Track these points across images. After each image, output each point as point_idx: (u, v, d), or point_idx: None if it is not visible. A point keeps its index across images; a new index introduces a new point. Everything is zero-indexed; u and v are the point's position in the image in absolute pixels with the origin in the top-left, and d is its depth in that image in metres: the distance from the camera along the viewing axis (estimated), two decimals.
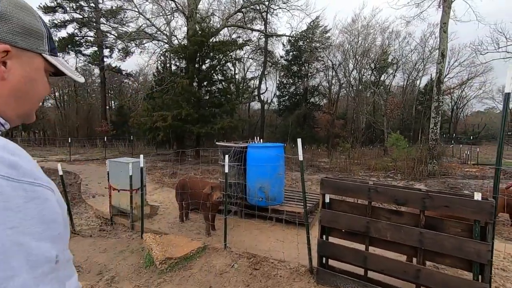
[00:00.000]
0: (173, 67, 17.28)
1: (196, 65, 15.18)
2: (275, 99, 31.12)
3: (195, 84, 15.31)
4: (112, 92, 31.69)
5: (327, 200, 2.92)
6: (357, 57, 23.96)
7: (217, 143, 5.32)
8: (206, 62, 15.96)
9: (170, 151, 17.69)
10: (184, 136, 16.41)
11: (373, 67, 24.89)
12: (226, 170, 3.87)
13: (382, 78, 27.06)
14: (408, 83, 28.98)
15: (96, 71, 27.88)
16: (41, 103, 0.69)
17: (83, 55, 24.75)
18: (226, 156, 3.87)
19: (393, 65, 26.43)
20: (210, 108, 15.92)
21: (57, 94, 29.17)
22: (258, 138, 7.67)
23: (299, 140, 3.19)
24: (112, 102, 33.20)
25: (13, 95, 0.54)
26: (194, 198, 4.45)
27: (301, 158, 3.15)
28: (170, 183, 8.72)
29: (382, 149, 20.15)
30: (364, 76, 25.49)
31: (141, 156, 4.27)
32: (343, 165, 13.29)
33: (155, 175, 10.30)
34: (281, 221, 4.59)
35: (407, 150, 13.14)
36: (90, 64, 27.11)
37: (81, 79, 0.70)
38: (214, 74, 16.17)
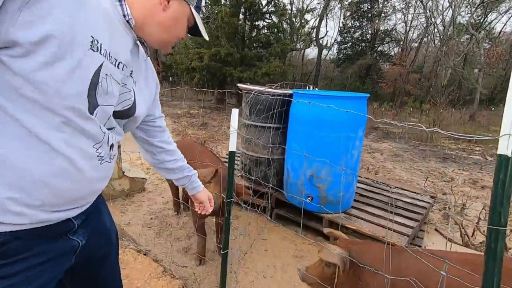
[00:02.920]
0: None
1: None
2: (334, 47, 26.61)
3: (240, 16, 12.47)
4: None
5: None
6: None
7: (240, 85, 2.97)
8: None
9: (210, 97, 15.91)
10: (225, 81, 14.23)
11: (478, 1, 18.53)
12: (232, 146, 1.59)
13: (488, 19, 20.40)
14: None
15: None
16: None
17: None
18: (235, 113, 1.53)
19: None
20: (256, 48, 13.19)
21: None
22: (311, 86, 5.09)
23: None
24: None
25: (162, 25, 0.78)
26: None
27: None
28: (192, 138, 6.84)
29: (468, 113, 15.85)
30: (460, 16, 19.48)
31: None
32: (417, 131, 10.16)
33: (181, 124, 8.54)
34: None
35: None
36: None
37: (207, 37, 0.91)
38: (262, 2, 12.93)
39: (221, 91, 11.63)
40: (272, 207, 2.86)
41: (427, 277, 1.17)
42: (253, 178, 2.69)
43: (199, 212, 1.50)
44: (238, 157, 3.48)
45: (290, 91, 2.76)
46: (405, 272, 1.22)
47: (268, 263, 2.31)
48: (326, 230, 1.68)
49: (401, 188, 3.16)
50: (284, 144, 2.89)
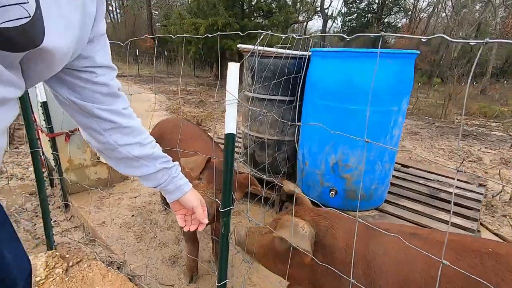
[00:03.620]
0: None
1: None
2: (339, 19, 25.14)
3: None
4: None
5: None
6: None
7: (240, 46, 2.30)
8: None
9: (209, 74, 15.06)
10: (224, 55, 13.31)
11: None
12: (230, 125, 0.98)
13: None
14: None
15: None
16: None
17: None
18: (233, 70, 0.90)
19: None
20: (257, 17, 12.18)
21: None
22: (323, 44, 4.40)
23: None
24: (157, 11, 30.10)
25: None
26: None
27: None
28: (188, 117, 6.21)
29: (478, 88, 15.06)
30: None
31: None
32: (426, 106, 9.57)
33: (176, 101, 7.87)
34: None
35: None
36: None
37: None
38: None
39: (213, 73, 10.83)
40: (282, 200, 2.30)
41: (413, 267, 0.89)
42: (255, 172, 2.11)
43: (185, 229, 0.96)
44: (239, 137, 2.88)
45: (306, 53, 2.10)
46: (382, 260, 0.94)
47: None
48: (287, 187, 1.21)
49: (439, 174, 2.58)
50: (298, 122, 2.28)
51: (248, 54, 2.26)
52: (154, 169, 0.80)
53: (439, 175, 2.57)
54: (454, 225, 1.81)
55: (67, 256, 1.71)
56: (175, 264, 1.83)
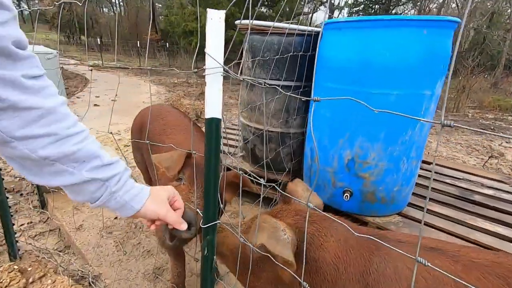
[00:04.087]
0: None
1: None
2: (345, 10, 24.52)
3: None
4: None
5: None
6: None
7: (238, 22, 1.98)
8: None
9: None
10: (227, 47, 12.93)
11: None
12: (214, 104, 0.67)
13: None
14: None
15: None
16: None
17: None
18: (214, 19, 0.59)
19: None
20: (261, 7, 11.76)
21: None
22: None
23: None
24: (160, 4, 29.68)
25: None
26: (150, 167, 1.46)
27: None
28: (188, 109, 5.91)
29: (490, 81, 14.49)
30: None
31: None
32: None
33: (176, 93, 7.57)
34: None
35: None
36: None
37: None
38: None
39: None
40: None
41: None
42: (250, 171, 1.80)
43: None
44: (238, 130, 2.58)
45: (316, 28, 1.77)
46: (390, 283, 0.66)
47: None
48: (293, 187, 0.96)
49: (467, 172, 2.25)
50: (306, 111, 1.96)
51: (248, 31, 1.93)
52: (78, 178, 0.50)
53: (467, 173, 2.24)
54: (496, 235, 1.49)
55: (29, 269, 1.43)
56: (159, 280, 1.55)
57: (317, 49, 1.55)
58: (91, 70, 8.18)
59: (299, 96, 0.54)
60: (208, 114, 0.70)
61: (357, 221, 1.73)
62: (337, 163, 1.59)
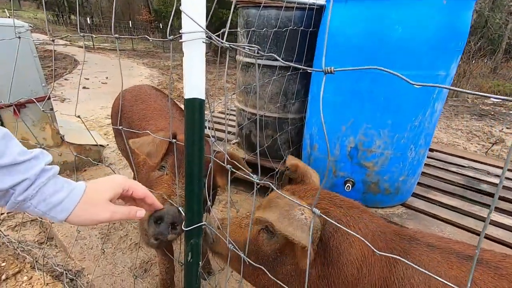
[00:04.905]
0: None
1: None
2: None
3: None
4: None
5: None
6: None
7: None
8: None
9: (207, 49, 14.29)
10: (222, 28, 12.48)
11: None
12: (194, 81, 0.53)
13: None
14: None
15: None
16: None
17: None
18: None
19: None
20: None
21: None
22: None
23: None
24: None
25: None
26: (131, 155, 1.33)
27: None
28: (181, 94, 5.71)
29: (490, 65, 14.30)
30: None
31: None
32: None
33: (168, 76, 7.32)
34: None
35: None
36: None
37: None
38: None
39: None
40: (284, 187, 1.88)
41: None
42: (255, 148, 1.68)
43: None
44: (233, 115, 2.44)
45: (320, 1, 1.60)
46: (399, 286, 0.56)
47: None
48: (290, 162, 0.85)
49: (472, 160, 2.15)
50: (306, 95, 1.81)
51: (241, 3, 1.75)
52: None
53: (472, 160, 2.14)
54: (508, 227, 1.40)
55: (3, 265, 1.32)
56: (147, 274, 1.45)
57: (320, 23, 1.39)
58: (83, 48, 7.85)
59: (308, 68, 0.40)
60: (188, 94, 0.56)
61: None
62: (338, 151, 1.47)
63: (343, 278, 0.60)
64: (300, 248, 0.59)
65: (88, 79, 5.95)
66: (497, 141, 4.15)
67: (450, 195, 1.65)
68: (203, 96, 0.57)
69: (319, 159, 1.61)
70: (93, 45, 12.79)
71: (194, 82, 0.55)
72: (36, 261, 1.41)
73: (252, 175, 0.55)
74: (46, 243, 1.66)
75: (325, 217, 0.46)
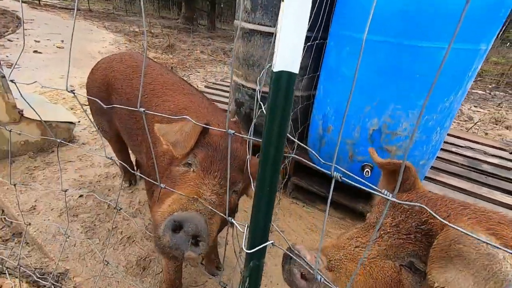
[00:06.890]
0: None
1: None
2: None
3: None
4: None
5: None
6: None
7: None
8: None
9: (176, 15, 13.27)
10: None
11: None
12: (286, 51, 0.49)
13: None
14: None
15: None
16: None
17: None
18: None
19: None
20: None
21: None
22: None
23: None
24: None
25: None
26: (132, 138, 1.11)
27: None
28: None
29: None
30: None
31: None
32: None
33: (138, 43, 6.66)
34: None
35: None
36: None
37: None
38: None
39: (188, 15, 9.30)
40: (289, 174, 1.76)
41: None
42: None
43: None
44: (224, 90, 2.22)
45: None
46: None
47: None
48: (378, 160, 0.66)
49: (465, 139, 2.18)
50: (316, 70, 1.64)
51: None
52: None
53: (465, 139, 2.16)
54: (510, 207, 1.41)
55: None
56: (146, 272, 1.27)
57: None
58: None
59: None
60: (279, 64, 0.37)
61: (367, 197, 1.57)
62: (358, 133, 1.35)
63: None
64: None
65: (38, 41, 5.17)
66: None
67: (458, 177, 1.64)
68: (295, 69, 0.39)
69: (331, 141, 1.49)
70: (39, 0, 11.17)
71: (287, 40, 0.36)
72: (6, 266, 1.16)
73: (381, 190, 0.39)
74: (13, 240, 1.39)
75: None
